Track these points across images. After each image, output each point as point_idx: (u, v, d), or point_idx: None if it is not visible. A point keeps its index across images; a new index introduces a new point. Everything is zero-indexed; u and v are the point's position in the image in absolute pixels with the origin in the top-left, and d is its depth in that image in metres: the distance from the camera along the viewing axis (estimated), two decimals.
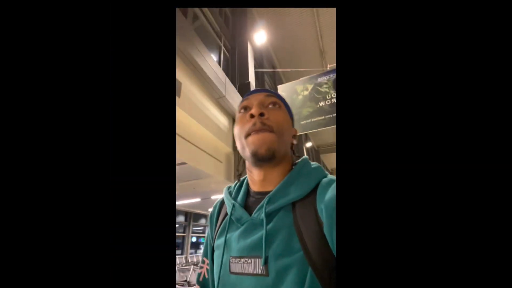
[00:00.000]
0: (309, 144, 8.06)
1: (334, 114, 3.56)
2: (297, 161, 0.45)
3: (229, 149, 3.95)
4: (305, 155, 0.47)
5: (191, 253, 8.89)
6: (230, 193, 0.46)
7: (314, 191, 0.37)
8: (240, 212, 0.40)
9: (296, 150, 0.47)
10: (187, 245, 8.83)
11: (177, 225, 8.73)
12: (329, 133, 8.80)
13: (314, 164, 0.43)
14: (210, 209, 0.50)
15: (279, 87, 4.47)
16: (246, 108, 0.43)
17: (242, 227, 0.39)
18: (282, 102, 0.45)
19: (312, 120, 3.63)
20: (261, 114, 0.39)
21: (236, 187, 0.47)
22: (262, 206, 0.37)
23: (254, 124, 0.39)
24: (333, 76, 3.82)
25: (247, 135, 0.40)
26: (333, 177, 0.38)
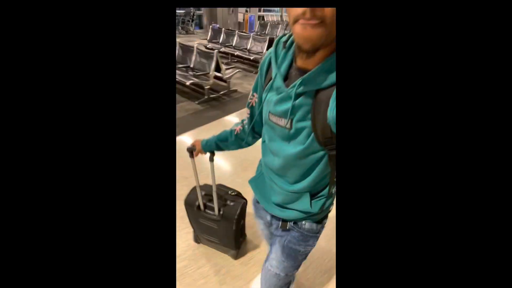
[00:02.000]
0: None
1: None
2: None
3: None
4: None
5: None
6: (277, 57, 0.50)
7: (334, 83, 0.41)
8: (280, 83, 0.48)
9: None
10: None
11: None
12: None
13: None
14: None
15: None
16: None
17: (280, 95, 0.49)
18: None
19: None
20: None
21: (285, 50, 0.50)
22: (294, 86, 0.44)
23: (304, 12, 0.35)
24: None
25: (295, 20, 0.37)
26: None
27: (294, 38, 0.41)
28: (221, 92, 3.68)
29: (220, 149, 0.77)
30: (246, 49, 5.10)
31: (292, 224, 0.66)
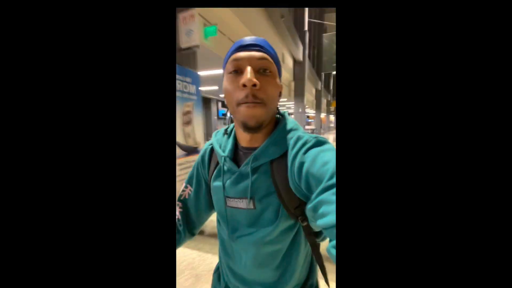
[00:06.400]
0: None
1: None
2: (279, 117, 0.50)
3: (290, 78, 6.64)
4: (286, 112, 0.51)
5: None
6: (220, 145, 0.51)
7: (287, 150, 0.44)
8: (230, 164, 0.47)
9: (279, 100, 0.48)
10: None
11: None
12: None
13: (290, 123, 0.48)
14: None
15: (324, 35, 6.87)
16: (237, 71, 0.42)
17: (233, 176, 0.47)
18: (272, 58, 0.43)
19: None
20: (254, 85, 0.40)
21: (225, 139, 0.52)
22: (248, 163, 0.45)
23: (247, 96, 0.40)
24: None
25: (238, 104, 0.42)
26: (301, 136, 0.44)
27: (239, 119, 0.43)
28: None
29: None
30: None
31: None
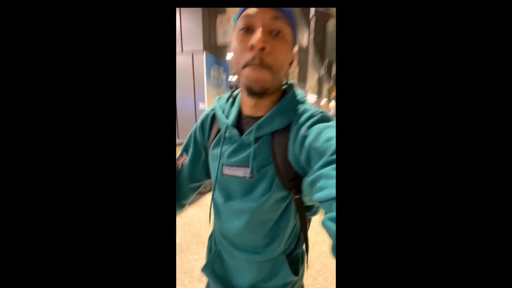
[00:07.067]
0: None
1: None
2: (285, 87, 0.48)
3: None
4: (293, 82, 0.49)
5: None
6: (223, 111, 0.50)
7: (291, 122, 0.44)
8: (233, 132, 0.47)
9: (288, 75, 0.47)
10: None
11: None
12: None
13: (299, 95, 0.47)
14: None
15: (329, 22, 7.08)
16: (248, 29, 0.39)
17: (234, 144, 0.47)
18: (288, 20, 0.40)
19: None
20: (262, 48, 0.37)
21: (229, 104, 0.51)
22: (251, 131, 0.44)
23: (253, 59, 0.38)
24: None
25: (244, 65, 0.40)
26: (307, 109, 0.44)
27: (243, 82, 0.42)
28: None
29: None
30: None
31: None
